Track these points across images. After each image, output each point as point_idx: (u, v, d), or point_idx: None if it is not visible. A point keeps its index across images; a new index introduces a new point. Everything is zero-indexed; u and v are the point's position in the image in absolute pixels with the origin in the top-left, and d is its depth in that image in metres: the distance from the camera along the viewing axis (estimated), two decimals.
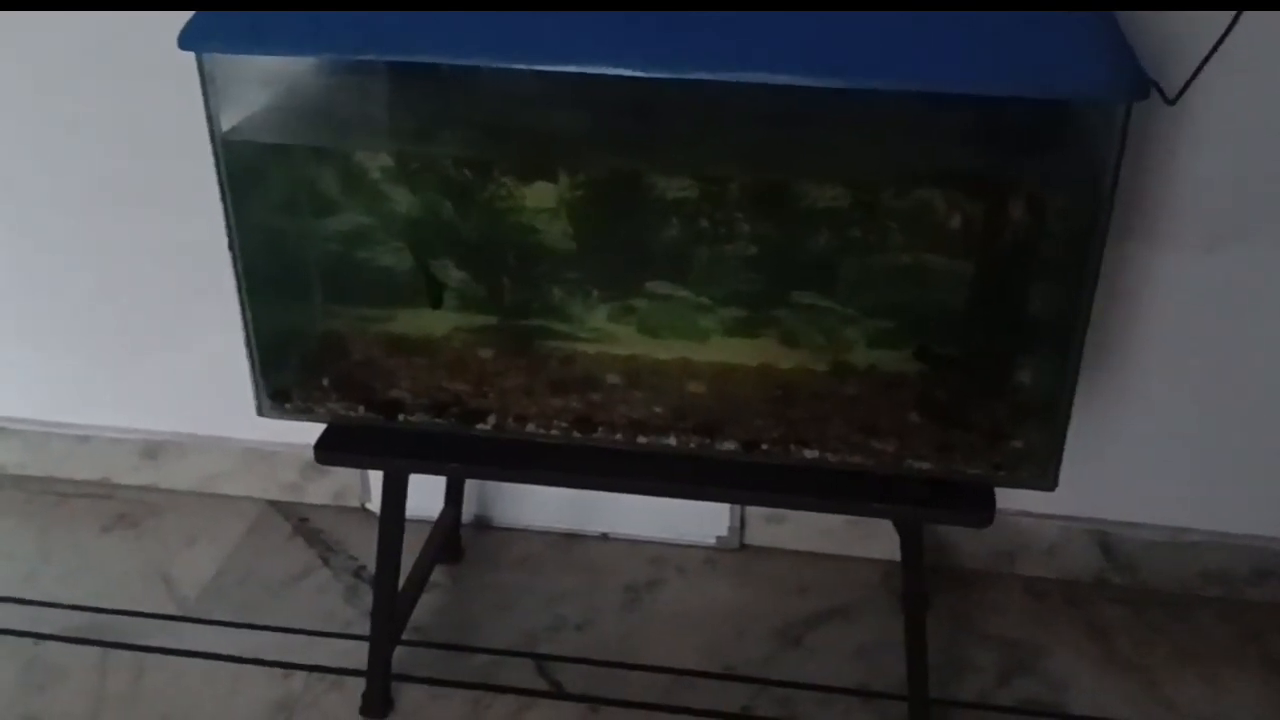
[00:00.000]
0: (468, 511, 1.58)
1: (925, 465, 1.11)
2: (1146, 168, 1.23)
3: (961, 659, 1.40)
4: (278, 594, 1.50)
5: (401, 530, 1.27)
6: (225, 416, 1.59)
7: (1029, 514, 1.49)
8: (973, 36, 0.91)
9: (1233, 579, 1.48)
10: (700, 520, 1.56)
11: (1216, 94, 1.17)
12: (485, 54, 0.96)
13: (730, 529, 1.56)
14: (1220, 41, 1.05)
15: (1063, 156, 1.06)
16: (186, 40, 0.99)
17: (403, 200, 1.18)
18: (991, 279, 1.15)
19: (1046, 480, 1.09)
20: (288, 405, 1.18)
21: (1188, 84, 1.06)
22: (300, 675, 1.37)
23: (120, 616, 1.46)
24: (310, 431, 1.19)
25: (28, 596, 1.49)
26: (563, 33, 0.95)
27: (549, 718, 1.32)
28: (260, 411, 1.18)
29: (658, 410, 1.16)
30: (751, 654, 1.41)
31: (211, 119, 1.05)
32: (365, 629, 1.32)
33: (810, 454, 1.12)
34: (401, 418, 1.17)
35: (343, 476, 1.63)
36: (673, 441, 1.14)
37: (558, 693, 1.35)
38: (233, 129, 1.06)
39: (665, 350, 1.21)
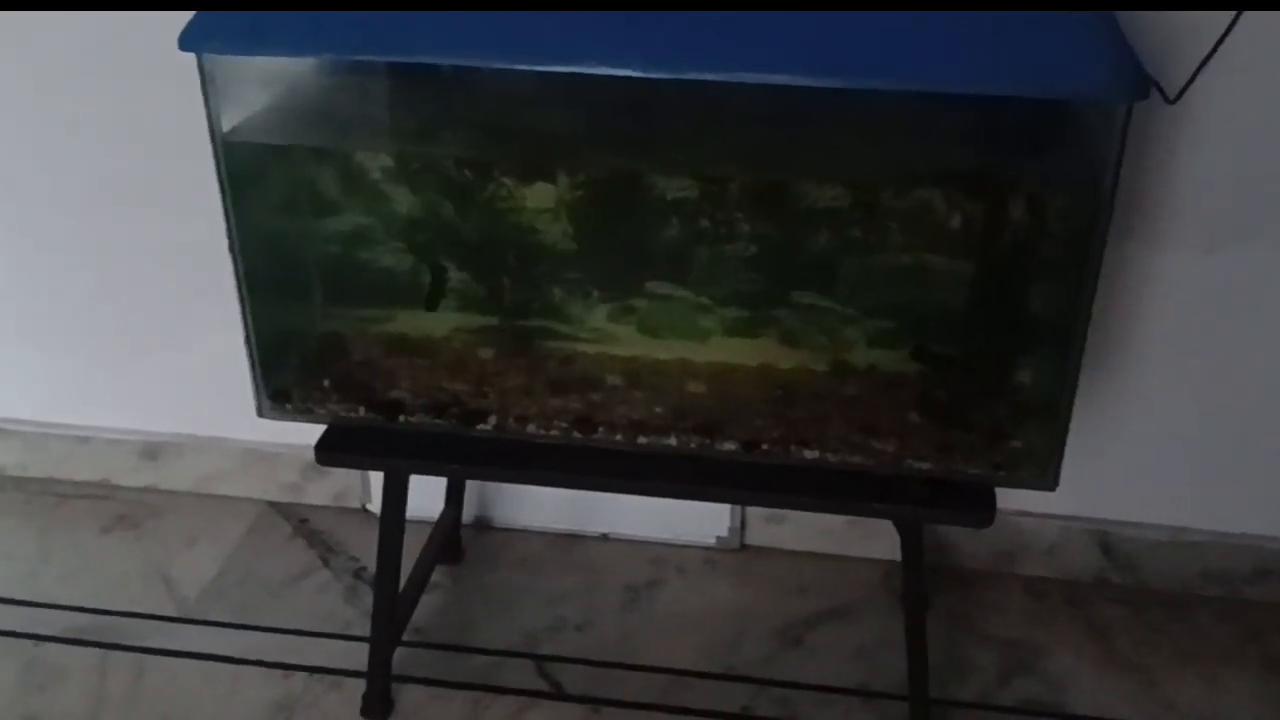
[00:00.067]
0: (468, 512, 1.58)
1: (925, 465, 1.11)
2: (1146, 168, 1.23)
3: (961, 659, 1.40)
4: (278, 595, 1.50)
5: (402, 531, 1.27)
6: (225, 417, 1.59)
7: (1029, 514, 1.49)
8: (973, 36, 0.91)
9: (1232, 579, 1.49)
10: (700, 520, 1.56)
11: (1216, 94, 1.17)
12: (485, 54, 0.96)
13: (730, 529, 1.56)
14: (1220, 41, 1.05)
15: (1063, 156, 1.06)
16: (187, 41, 0.99)
17: (403, 201, 1.18)
18: (992, 279, 1.15)
19: (1047, 480, 1.09)
20: (288, 406, 1.18)
21: (1188, 84, 1.06)
22: (300, 676, 1.37)
23: (120, 617, 1.46)
24: (310, 432, 1.19)
25: (27, 597, 1.49)
26: (562, 33, 0.95)
27: (549, 718, 1.32)
28: (260, 412, 1.18)
29: (658, 410, 1.16)
30: (751, 654, 1.41)
31: (212, 120, 1.05)
32: (365, 630, 1.32)
33: (810, 454, 1.12)
34: (402, 418, 1.17)
35: (343, 477, 1.63)
36: (673, 442, 1.14)
37: (558, 693, 1.35)
38: (233, 129, 1.06)
39: (665, 350, 1.21)
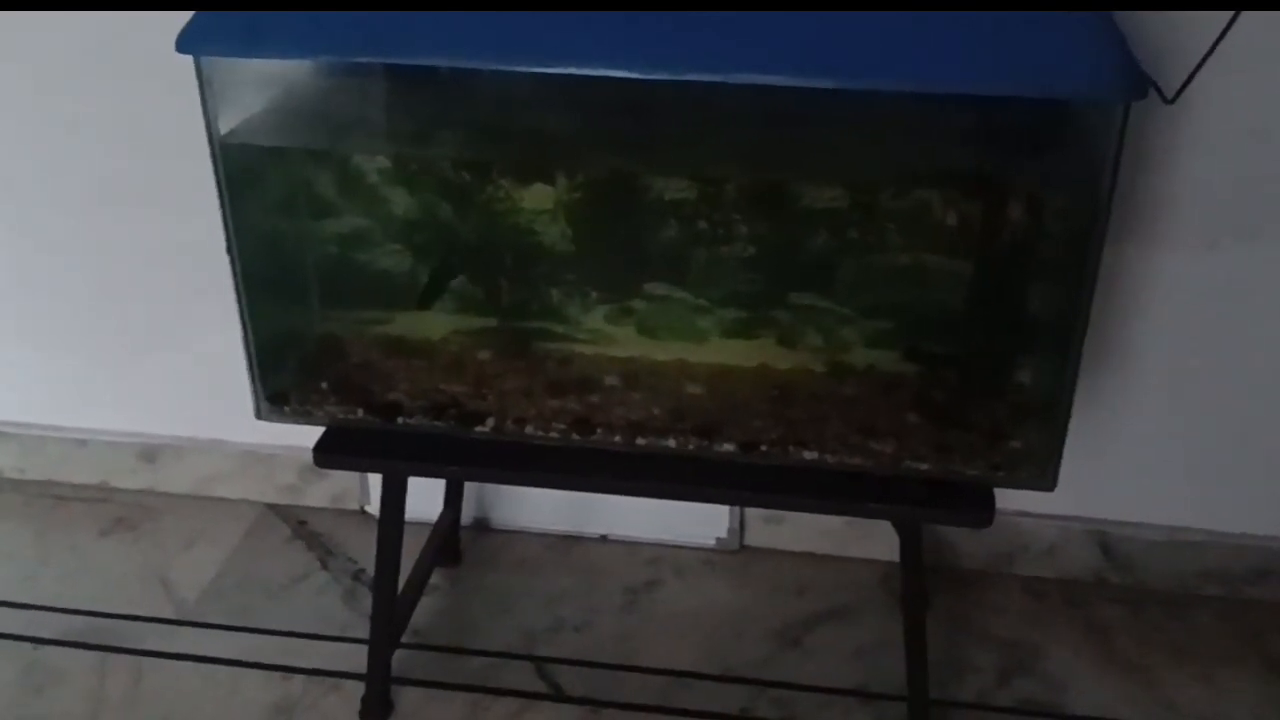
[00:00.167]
0: (467, 514, 1.58)
1: (924, 466, 1.10)
2: (1146, 168, 1.23)
3: (961, 659, 1.40)
4: (276, 597, 1.50)
5: (400, 533, 1.27)
6: (223, 419, 1.59)
7: (1028, 514, 1.49)
8: (972, 36, 0.91)
9: (1232, 578, 1.49)
10: (699, 521, 1.56)
11: (1216, 94, 1.17)
12: (483, 56, 0.96)
13: (729, 530, 1.56)
14: (1218, 41, 1.05)
15: (1062, 156, 1.05)
16: (184, 43, 0.99)
17: (401, 202, 1.18)
18: (991, 279, 1.15)
19: (1046, 480, 1.09)
20: (286, 408, 1.18)
21: (1186, 83, 1.06)
22: (299, 678, 1.37)
23: (119, 620, 1.46)
24: (309, 434, 1.19)
25: (26, 600, 1.49)
26: (560, 34, 0.95)
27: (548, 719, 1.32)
28: (258, 415, 1.18)
29: (656, 412, 1.16)
30: (750, 655, 1.41)
31: (209, 122, 1.04)
32: (364, 632, 1.32)
33: (809, 455, 1.12)
34: (400, 420, 1.16)
35: (341, 479, 1.62)
36: (671, 443, 1.13)
37: (557, 695, 1.35)
38: (231, 132, 1.06)
39: (664, 351, 1.21)
